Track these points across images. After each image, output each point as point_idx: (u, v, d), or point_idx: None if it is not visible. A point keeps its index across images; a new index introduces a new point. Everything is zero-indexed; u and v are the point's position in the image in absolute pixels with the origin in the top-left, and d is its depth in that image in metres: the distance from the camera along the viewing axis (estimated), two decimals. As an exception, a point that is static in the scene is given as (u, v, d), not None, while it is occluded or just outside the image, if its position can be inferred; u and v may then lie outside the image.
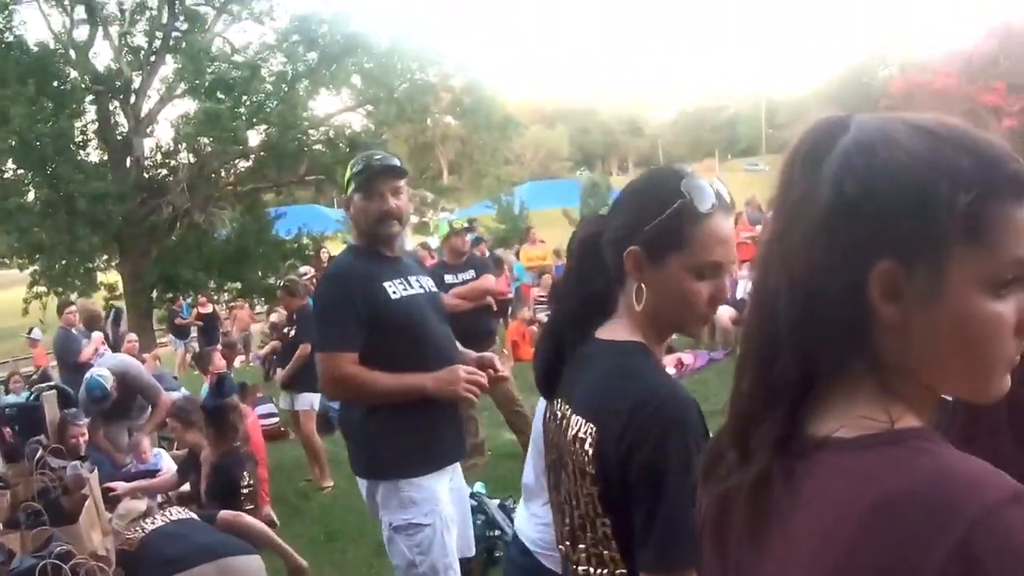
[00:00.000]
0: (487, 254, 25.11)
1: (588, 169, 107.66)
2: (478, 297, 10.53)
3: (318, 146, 32.88)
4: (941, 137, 1.32)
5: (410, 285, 5.03)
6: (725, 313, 15.42)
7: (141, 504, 7.84)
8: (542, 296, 20.29)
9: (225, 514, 6.73)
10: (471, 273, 10.69)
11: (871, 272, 1.30)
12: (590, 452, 2.36)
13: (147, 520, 6.32)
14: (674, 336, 10.44)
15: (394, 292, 4.90)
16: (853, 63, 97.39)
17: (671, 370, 13.99)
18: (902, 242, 1.29)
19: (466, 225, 12.21)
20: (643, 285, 2.43)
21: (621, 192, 2.62)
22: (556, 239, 38.58)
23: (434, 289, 5.31)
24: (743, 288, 16.02)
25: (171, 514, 6.43)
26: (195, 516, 6.54)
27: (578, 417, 2.44)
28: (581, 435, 2.40)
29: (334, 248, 32.49)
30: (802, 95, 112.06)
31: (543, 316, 19.21)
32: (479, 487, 8.95)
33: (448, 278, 10.44)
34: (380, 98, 34.00)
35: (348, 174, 5.06)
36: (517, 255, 26.49)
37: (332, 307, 4.86)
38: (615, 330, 2.52)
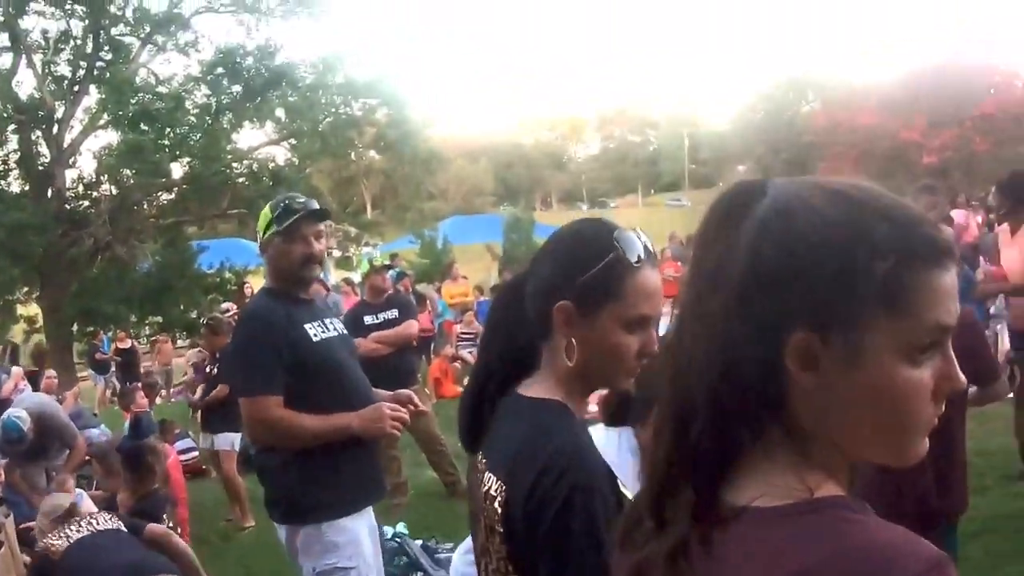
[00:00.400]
0: (411, 290, 25.16)
1: (511, 204, 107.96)
2: (400, 344, 10.41)
3: (241, 179, 32.70)
4: (858, 202, 1.32)
5: (327, 328, 5.07)
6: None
7: (66, 500, 7.64)
8: (464, 333, 20.29)
9: (154, 529, 6.63)
10: (393, 312, 10.53)
11: (788, 341, 1.29)
12: (499, 511, 2.33)
13: (72, 527, 6.18)
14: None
15: (315, 335, 4.94)
16: (776, 98, 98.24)
17: (593, 407, 13.99)
18: (819, 311, 1.28)
19: (387, 263, 12.08)
20: (573, 340, 2.37)
21: (546, 244, 2.59)
22: (479, 274, 38.59)
23: (345, 332, 5.38)
24: (664, 326, 16.14)
25: (97, 522, 6.31)
26: (122, 527, 6.42)
27: (491, 474, 2.41)
28: (492, 492, 2.37)
29: (257, 282, 32.29)
30: (724, 130, 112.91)
31: (466, 353, 19.22)
32: (401, 527, 8.93)
33: (368, 319, 10.36)
34: (304, 132, 33.93)
35: (268, 216, 5.01)
36: (439, 291, 26.49)
37: (255, 350, 4.83)
38: (537, 386, 2.45)
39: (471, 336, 20.03)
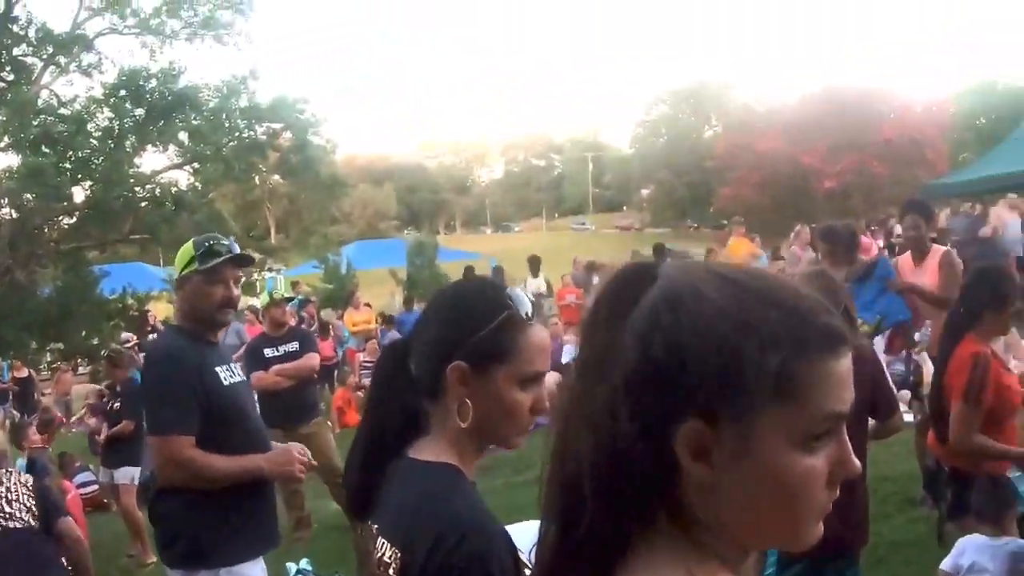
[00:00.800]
0: (315, 316, 25.02)
1: (415, 228, 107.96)
2: (301, 376, 10.29)
3: (144, 204, 32.33)
4: (750, 291, 1.30)
5: (234, 372, 5.10)
6: (551, 378, 15.53)
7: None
8: (367, 361, 20.24)
9: (66, 527, 6.47)
10: (294, 345, 10.38)
11: (678, 432, 1.27)
12: None
13: None
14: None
15: (225, 379, 4.95)
16: (679, 122, 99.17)
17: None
18: (710, 402, 1.26)
19: (287, 295, 11.97)
20: (468, 400, 2.35)
21: (432, 305, 2.58)
22: (383, 299, 38.43)
23: (245, 378, 5.41)
24: (568, 353, 16.21)
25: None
26: (32, 524, 6.26)
27: (384, 541, 2.34)
28: (387, 560, 2.30)
29: (159, 309, 31.93)
30: (628, 154, 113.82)
31: (368, 381, 19.25)
32: (304, 564, 8.89)
33: (268, 351, 10.21)
34: (207, 156, 33.66)
35: (190, 253, 4.96)
36: (342, 318, 26.41)
37: (170, 389, 4.78)
38: (428, 449, 2.40)
39: (373, 363, 19.98)
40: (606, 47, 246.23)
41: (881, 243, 23.73)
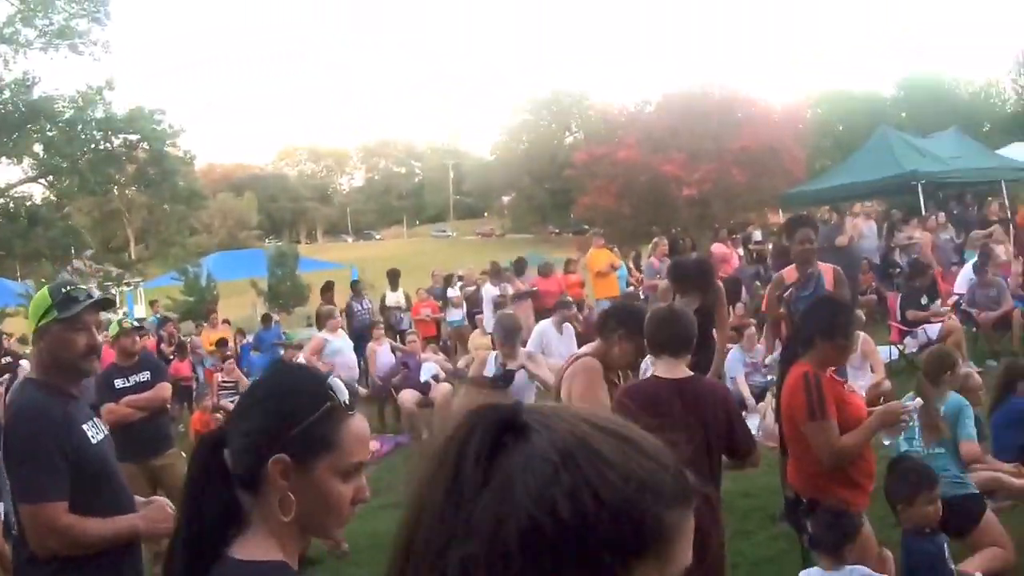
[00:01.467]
0: (176, 333, 24.73)
1: (276, 237, 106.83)
2: (153, 407, 9.84)
3: (-3, 218, 31.75)
4: (633, 445, 1.31)
5: (99, 428, 4.87)
6: (411, 398, 15.55)
7: None
8: (226, 381, 19.95)
9: None
10: (145, 375, 9.92)
11: None
12: None
13: None
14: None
15: (92, 437, 4.71)
16: (539, 129, 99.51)
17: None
18: (614, 557, 1.24)
19: (136, 324, 11.59)
20: (290, 494, 2.28)
21: (249, 395, 2.48)
22: (244, 310, 38.08)
23: (107, 432, 5.08)
24: (427, 371, 16.18)
25: None
26: None
27: None
28: None
29: (15, 326, 31.31)
30: (488, 162, 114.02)
31: (227, 403, 19.02)
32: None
33: (119, 382, 9.77)
34: (62, 169, 33.20)
35: (45, 302, 4.67)
36: (200, 333, 26.15)
37: (40, 453, 4.45)
38: (252, 547, 2.29)
39: (232, 384, 19.80)
40: (467, 55, 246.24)
41: (740, 252, 24.07)
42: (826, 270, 8.99)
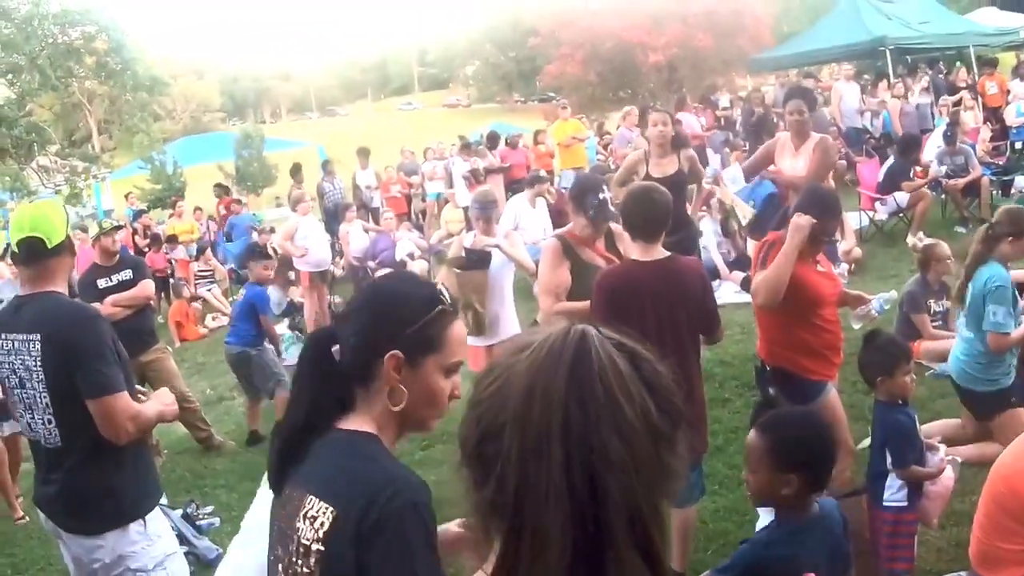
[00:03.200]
0: (151, 225, 24.62)
1: (240, 119, 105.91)
2: (137, 305, 10.08)
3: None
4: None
5: None
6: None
7: None
8: (203, 271, 19.94)
9: None
10: (127, 273, 10.14)
11: None
12: (321, 532, 2.39)
13: None
14: (338, 300, 10.84)
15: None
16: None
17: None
18: None
19: (116, 224, 11.52)
20: (402, 386, 2.55)
21: (361, 299, 2.75)
22: (211, 195, 37.99)
23: None
24: (403, 249, 16.28)
25: None
26: None
27: (313, 498, 2.45)
28: (313, 514, 2.43)
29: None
30: (452, 34, 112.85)
31: (204, 292, 19.07)
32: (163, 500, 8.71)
33: (102, 282, 9.99)
34: (21, 66, 32.81)
35: (62, 217, 4.91)
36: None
37: (107, 351, 4.70)
38: (354, 422, 2.56)
39: (208, 273, 19.81)
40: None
41: (705, 121, 23.94)
42: (812, 139, 8.96)
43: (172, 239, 21.21)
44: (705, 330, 5.91)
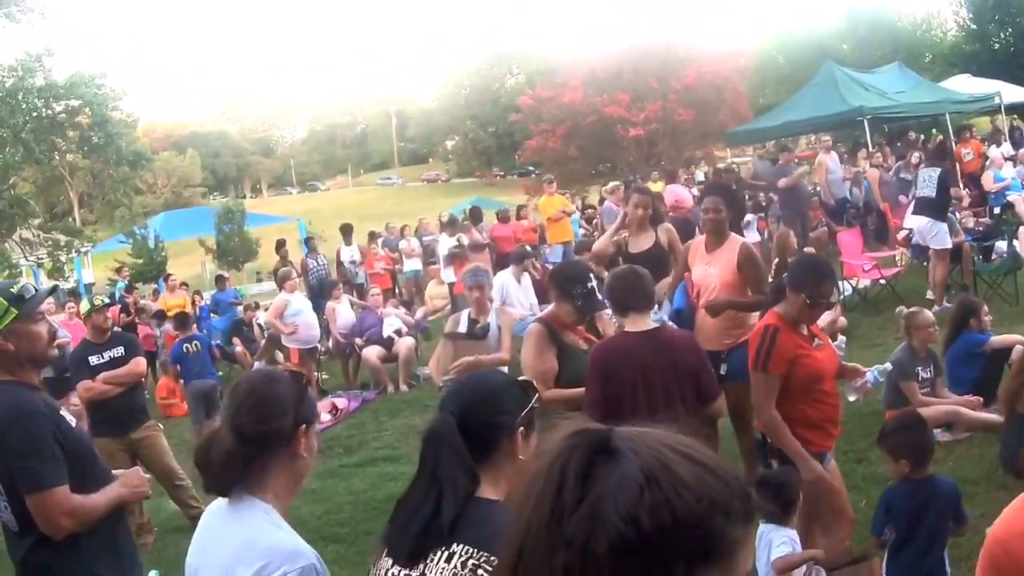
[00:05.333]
0: (139, 301, 24.54)
1: (221, 194, 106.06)
2: (129, 382, 9.91)
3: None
4: (707, 468, 1.46)
5: (67, 413, 5.02)
6: (375, 353, 15.69)
7: None
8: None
9: None
10: (119, 350, 10.00)
11: None
12: None
13: None
14: (325, 376, 10.88)
15: (71, 421, 4.90)
16: (481, 72, 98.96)
17: (326, 416, 14.24)
18: (688, 564, 1.40)
19: (106, 302, 11.50)
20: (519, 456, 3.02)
21: (482, 387, 3.19)
22: (193, 269, 37.83)
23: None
24: (390, 326, 16.29)
25: None
26: None
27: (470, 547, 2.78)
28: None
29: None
30: (431, 107, 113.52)
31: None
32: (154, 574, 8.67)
33: (94, 359, 9.86)
34: (5, 139, 32.87)
35: (1, 307, 4.73)
36: (155, 297, 25.93)
37: (42, 445, 4.61)
38: (490, 494, 2.94)
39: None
40: (405, 8, 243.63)
41: (696, 192, 24.11)
42: (732, 242, 8.41)
43: (161, 314, 21.13)
44: (701, 398, 5.94)
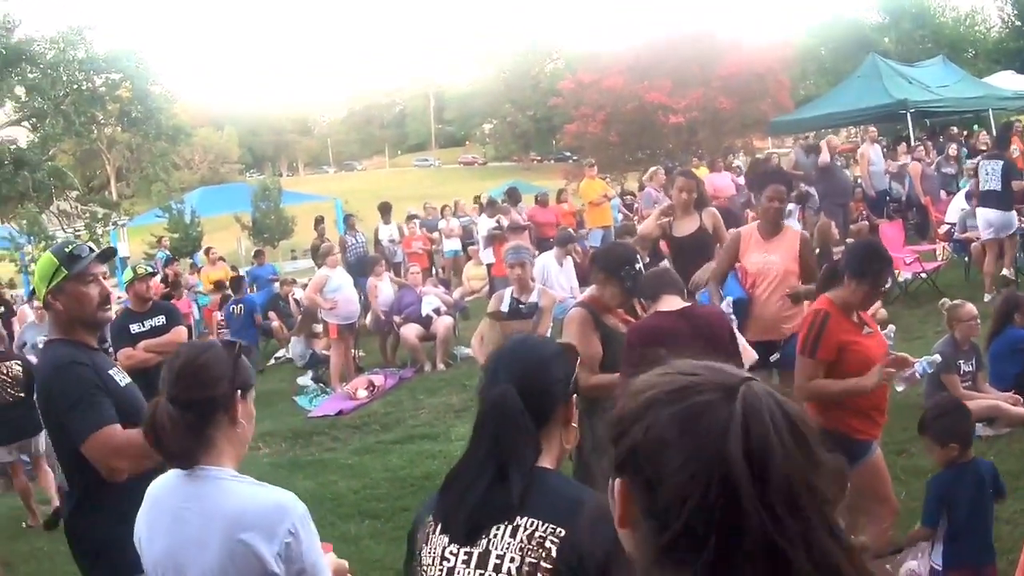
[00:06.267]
0: (180, 272, 24.70)
1: (258, 171, 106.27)
2: (170, 351, 9.89)
3: (-19, 164, 31.50)
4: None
5: (123, 374, 5.06)
6: (413, 332, 15.68)
7: None
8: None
9: None
10: (160, 319, 10.08)
11: None
12: (553, 552, 2.74)
13: None
14: (362, 353, 10.90)
15: (120, 380, 4.92)
16: (521, 56, 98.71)
17: (362, 392, 14.30)
18: None
19: (149, 270, 11.52)
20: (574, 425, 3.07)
21: (539, 354, 3.14)
22: (228, 245, 37.94)
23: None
24: (429, 304, 16.25)
25: None
26: None
27: (534, 519, 2.79)
28: (540, 535, 2.76)
29: (0, 270, 31.21)
30: (470, 90, 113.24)
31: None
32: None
33: (135, 327, 9.91)
34: (46, 111, 32.99)
35: (52, 264, 4.82)
36: (192, 269, 26.06)
37: (84, 395, 4.62)
38: (547, 463, 2.95)
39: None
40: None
41: (742, 180, 24.03)
42: (790, 234, 8.61)
43: (220, 284, 21.50)
44: None
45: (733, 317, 7.56)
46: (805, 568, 1.40)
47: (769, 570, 1.39)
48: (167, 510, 3.35)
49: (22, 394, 10.63)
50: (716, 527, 1.40)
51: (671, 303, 6.02)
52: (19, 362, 11.23)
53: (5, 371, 10.94)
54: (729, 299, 8.30)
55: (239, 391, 3.34)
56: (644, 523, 1.51)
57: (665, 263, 6.74)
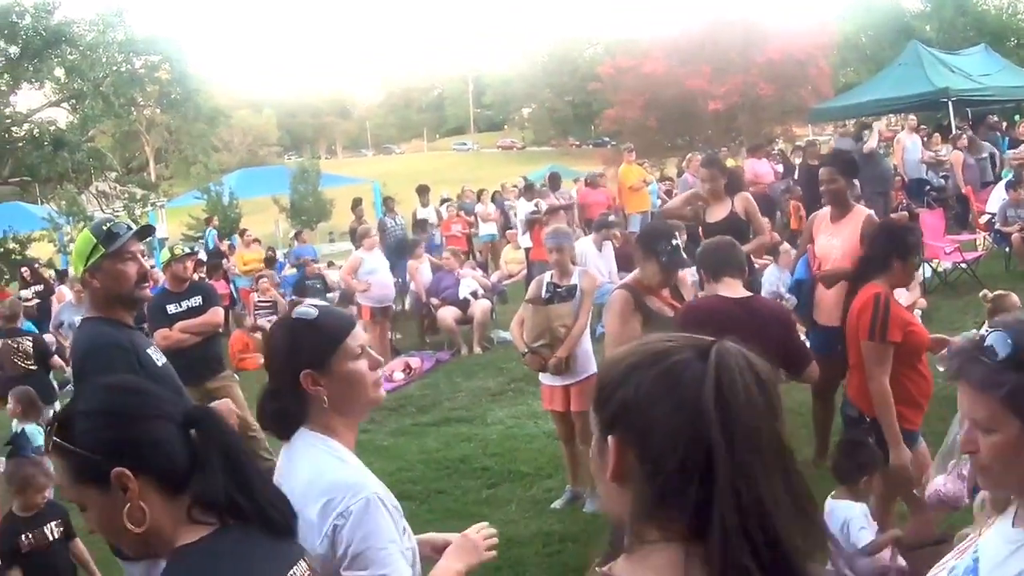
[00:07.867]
0: (232, 250, 24.79)
1: (297, 153, 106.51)
2: (207, 332, 9.87)
3: (22, 144, 31.65)
4: None
5: (160, 353, 5.12)
6: (450, 315, 15.63)
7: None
8: (262, 301, 19.78)
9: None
10: (197, 300, 9.99)
11: None
12: None
13: None
14: (398, 336, 10.84)
15: (157, 360, 4.99)
16: (559, 41, 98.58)
17: (399, 374, 14.26)
18: None
19: (187, 251, 11.46)
20: None
21: None
22: (267, 227, 37.94)
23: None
24: (466, 287, 16.17)
25: None
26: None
27: None
28: None
29: (39, 250, 31.31)
30: (509, 74, 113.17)
31: (264, 322, 18.87)
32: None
33: (171, 308, 9.86)
34: (85, 92, 33.09)
35: (90, 242, 4.87)
36: (230, 251, 26.11)
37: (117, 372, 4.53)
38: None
39: (269, 304, 19.69)
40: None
41: (781, 168, 23.94)
42: (856, 214, 8.36)
43: (271, 260, 21.69)
44: (787, 366, 5.83)
45: (792, 297, 7.53)
46: (746, 503, 1.57)
47: (735, 507, 1.56)
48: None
49: (34, 366, 11.95)
50: (699, 470, 1.58)
51: (733, 288, 6.00)
52: (29, 338, 12.65)
53: (16, 345, 12.21)
54: (788, 279, 8.32)
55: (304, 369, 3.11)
56: (640, 470, 1.66)
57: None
